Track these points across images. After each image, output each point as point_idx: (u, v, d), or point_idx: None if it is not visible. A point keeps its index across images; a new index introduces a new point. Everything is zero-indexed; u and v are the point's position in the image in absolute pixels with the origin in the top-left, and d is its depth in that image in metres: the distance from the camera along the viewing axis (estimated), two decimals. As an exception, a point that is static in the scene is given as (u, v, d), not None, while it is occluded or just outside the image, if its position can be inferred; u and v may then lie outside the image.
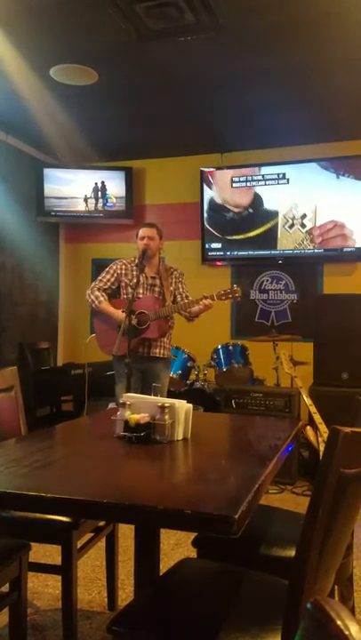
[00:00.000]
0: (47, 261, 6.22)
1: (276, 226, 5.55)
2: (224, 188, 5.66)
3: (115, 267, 3.89)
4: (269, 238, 5.58)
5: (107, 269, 3.91)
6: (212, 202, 5.71)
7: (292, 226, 5.50)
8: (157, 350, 3.80)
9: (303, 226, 5.50)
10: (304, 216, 5.48)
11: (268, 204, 5.54)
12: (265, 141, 5.50)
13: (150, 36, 3.55)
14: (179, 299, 3.87)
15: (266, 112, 4.82)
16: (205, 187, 5.70)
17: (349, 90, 4.34)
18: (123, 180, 6.04)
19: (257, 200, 5.55)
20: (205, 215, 5.73)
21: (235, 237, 5.67)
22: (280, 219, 5.53)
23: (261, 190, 5.56)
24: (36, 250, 5.97)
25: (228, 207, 5.67)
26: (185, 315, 3.77)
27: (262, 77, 4.14)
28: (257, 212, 5.57)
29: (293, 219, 5.48)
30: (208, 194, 5.70)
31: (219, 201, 5.67)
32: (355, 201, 5.30)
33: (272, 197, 5.54)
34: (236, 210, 5.63)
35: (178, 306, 3.74)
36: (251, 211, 5.58)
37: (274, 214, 5.54)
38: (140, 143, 5.72)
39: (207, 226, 5.69)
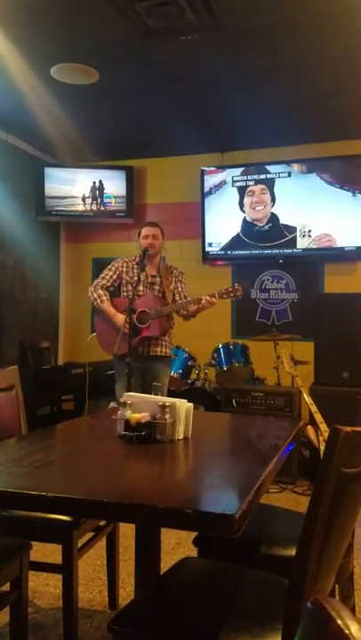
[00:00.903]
0: (47, 261, 6.22)
1: (295, 237, 5.59)
2: (248, 209, 5.76)
3: (117, 264, 3.90)
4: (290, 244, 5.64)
5: (109, 267, 3.93)
6: (245, 219, 5.76)
7: (304, 236, 5.56)
8: (158, 349, 3.79)
9: (310, 236, 5.54)
10: (310, 230, 5.53)
11: (284, 221, 5.64)
12: (266, 140, 5.50)
13: (151, 34, 3.54)
14: (178, 298, 3.87)
15: (267, 111, 4.81)
16: (240, 209, 5.78)
17: (350, 88, 4.34)
18: (123, 180, 6.04)
19: (274, 218, 5.66)
20: (240, 229, 5.77)
21: (263, 244, 5.70)
22: (298, 231, 5.59)
23: (277, 209, 5.65)
24: (37, 249, 5.97)
25: (255, 223, 5.72)
26: (182, 313, 3.77)
27: (263, 76, 4.14)
28: (276, 227, 5.66)
29: (304, 231, 5.54)
30: (241, 215, 5.77)
31: (248, 219, 5.75)
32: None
33: (287, 215, 5.62)
34: (260, 224, 5.70)
35: (178, 305, 3.73)
36: (271, 225, 5.67)
37: (293, 229, 5.60)
38: (140, 142, 5.71)
39: (242, 237, 5.77)
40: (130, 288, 3.79)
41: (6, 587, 1.87)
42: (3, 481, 1.42)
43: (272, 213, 5.65)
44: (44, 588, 2.56)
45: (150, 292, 3.80)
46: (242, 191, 5.74)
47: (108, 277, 3.88)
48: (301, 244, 5.53)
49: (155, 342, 3.77)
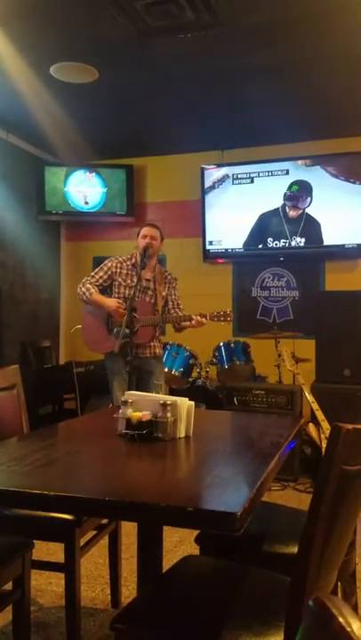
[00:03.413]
0: (48, 260, 6.22)
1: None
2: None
3: (110, 264, 3.86)
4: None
5: (101, 266, 3.89)
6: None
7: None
8: (147, 351, 3.81)
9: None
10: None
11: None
12: (266, 138, 5.49)
13: (151, 33, 3.54)
14: (170, 305, 3.90)
15: (266, 109, 4.81)
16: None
17: (350, 86, 4.33)
18: (124, 178, 6.03)
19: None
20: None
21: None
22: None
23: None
24: (37, 248, 5.97)
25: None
26: (174, 325, 3.81)
27: (263, 74, 4.13)
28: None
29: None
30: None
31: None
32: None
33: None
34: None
35: (170, 317, 3.78)
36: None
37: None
38: (140, 140, 5.71)
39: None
40: (122, 290, 3.79)
41: (9, 585, 1.87)
42: (5, 480, 1.43)
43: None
44: (47, 587, 2.56)
45: (142, 297, 3.80)
46: (243, 188, 5.72)
47: (97, 277, 3.84)
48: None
49: (142, 345, 3.78)
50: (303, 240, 5.54)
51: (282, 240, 5.62)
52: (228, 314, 3.72)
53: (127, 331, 3.43)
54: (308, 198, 5.53)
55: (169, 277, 3.96)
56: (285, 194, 5.59)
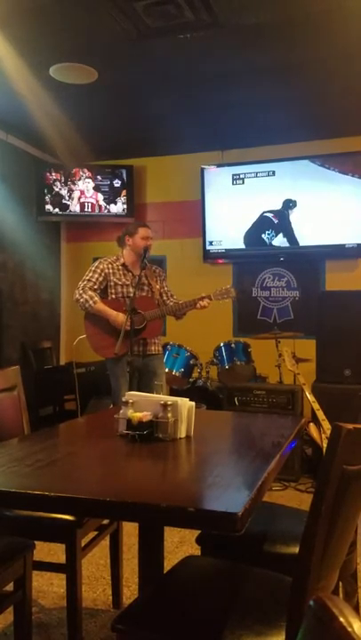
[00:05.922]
0: (48, 260, 6.21)
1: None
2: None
3: (101, 266, 3.85)
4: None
5: (93, 269, 3.86)
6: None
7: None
8: (153, 347, 3.86)
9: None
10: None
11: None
12: (266, 138, 5.49)
13: (150, 33, 3.54)
14: (165, 297, 3.94)
15: (266, 109, 4.81)
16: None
17: (349, 86, 4.33)
18: (123, 179, 6.03)
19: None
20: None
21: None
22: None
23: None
24: (38, 249, 5.97)
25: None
26: (175, 313, 3.84)
27: (262, 74, 4.13)
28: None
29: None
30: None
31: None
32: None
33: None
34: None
35: (174, 307, 3.80)
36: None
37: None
38: (140, 141, 5.71)
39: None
40: (119, 290, 3.81)
41: (10, 586, 1.87)
42: (6, 481, 1.43)
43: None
44: (48, 588, 2.56)
45: (140, 293, 3.82)
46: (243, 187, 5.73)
47: (94, 280, 3.80)
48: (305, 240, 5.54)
49: (149, 341, 3.83)
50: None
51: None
52: (230, 289, 3.74)
53: (136, 327, 3.48)
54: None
55: (157, 271, 4.02)
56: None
